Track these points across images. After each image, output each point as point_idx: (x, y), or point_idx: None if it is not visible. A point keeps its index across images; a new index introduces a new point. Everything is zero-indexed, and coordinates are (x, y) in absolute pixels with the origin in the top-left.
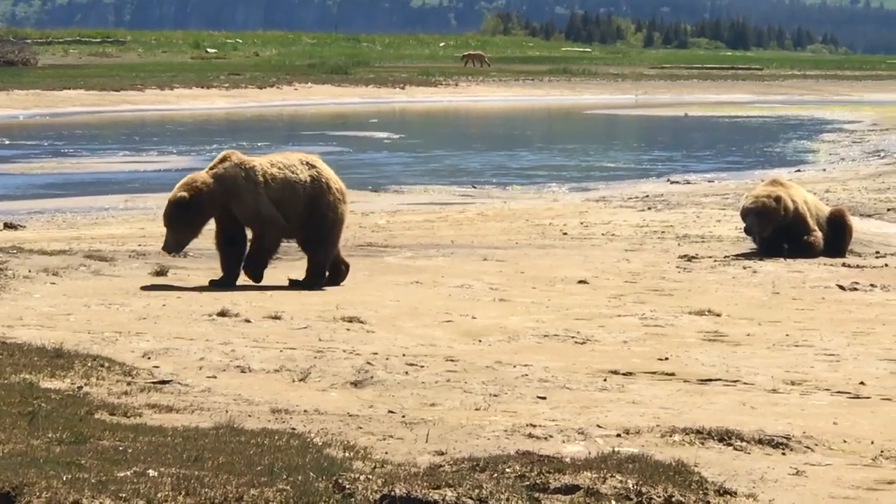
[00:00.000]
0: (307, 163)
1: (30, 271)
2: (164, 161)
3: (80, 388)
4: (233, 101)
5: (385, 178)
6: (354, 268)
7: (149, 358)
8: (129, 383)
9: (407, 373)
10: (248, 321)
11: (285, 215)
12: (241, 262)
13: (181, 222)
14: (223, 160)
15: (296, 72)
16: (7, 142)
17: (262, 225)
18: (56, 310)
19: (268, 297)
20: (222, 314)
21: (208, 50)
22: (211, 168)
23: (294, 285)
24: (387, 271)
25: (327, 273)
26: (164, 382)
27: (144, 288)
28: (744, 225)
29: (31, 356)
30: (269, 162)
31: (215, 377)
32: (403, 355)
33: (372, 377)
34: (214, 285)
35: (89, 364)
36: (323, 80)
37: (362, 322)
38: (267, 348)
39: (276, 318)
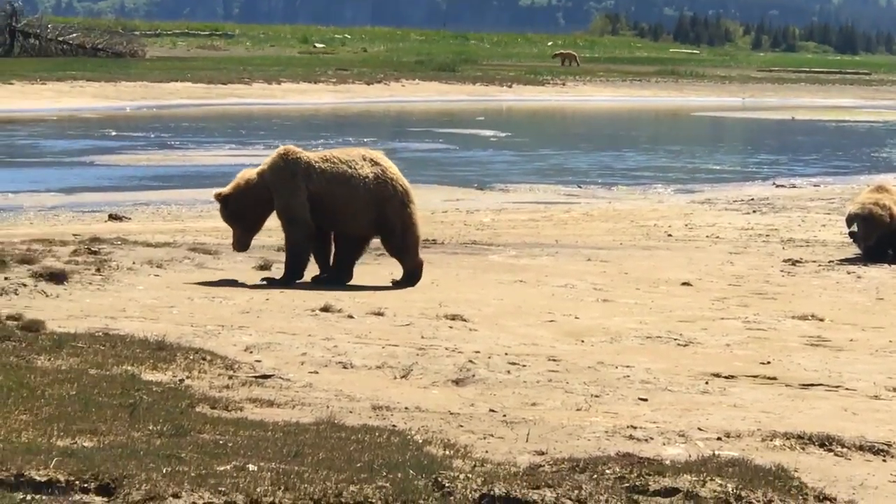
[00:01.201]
0: (370, 159)
1: (134, 263)
2: (269, 155)
3: (181, 380)
4: (340, 96)
5: (491, 177)
6: (458, 265)
7: (251, 352)
8: (230, 377)
9: (509, 372)
10: (350, 317)
11: (340, 210)
12: (329, 260)
13: (231, 220)
14: (273, 156)
15: (403, 68)
16: (114, 133)
17: (285, 220)
18: (159, 302)
19: (371, 294)
20: (325, 310)
21: (316, 45)
22: (262, 165)
23: (395, 284)
24: (490, 269)
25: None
26: (265, 377)
27: (248, 282)
28: (848, 230)
29: (134, 348)
30: (322, 156)
31: (317, 372)
32: (506, 354)
33: (474, 375)
34: (270, 284)
35: (191, 357)
36: (430, 77)
37: (465, 320)
38: (369, 344)
39: (379, 314)
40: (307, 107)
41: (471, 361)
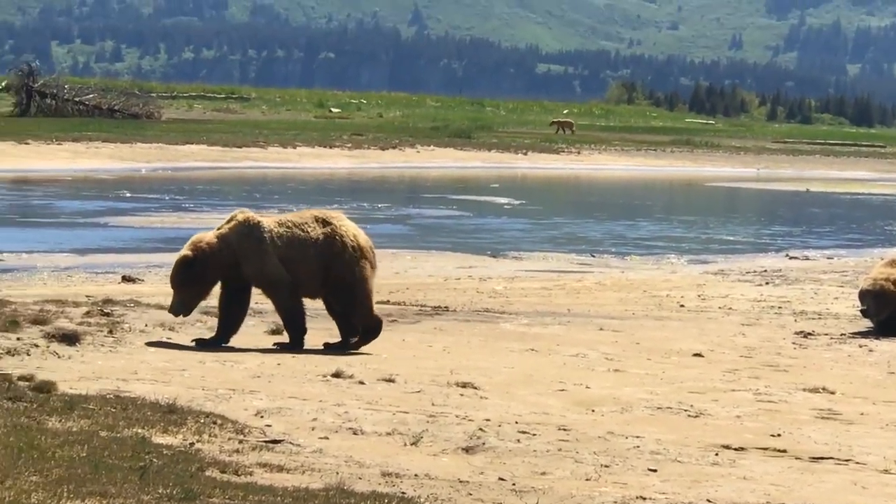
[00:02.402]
0: (322, 220)
1: (146, 325)
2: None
3: (191, 444)
4: (355, 161)
5: (504, 244)
6: (470, 332)
7: (262, 416)
8: (241, 441)
9: (519, 440)
10: (361, 383)
11: (297, 274)
12: (238, 325)
13: (186, 283)
14: (230, 220)
15: (419, 134)
16: (129, 194)
17: (268, 286)
18: (171, 365)
19: (382, 360)
20: (336, 375)
21: (332, 109)
22: (219, 228)
23: (328, 349)
24: (502, 338)
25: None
26: (275, 442)
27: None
28: (860, 308)
29: (145, 411)
30: (278, 221)
31: (327, 438)
32: (516, 422)
33: (484, 443)
34: (201, 345)
35: (202, 420)
36: (446, 143)
37: (476, 388)
38: (380, 411)
39: (390, 381)
40: (322, 171)
41: (481, 429)
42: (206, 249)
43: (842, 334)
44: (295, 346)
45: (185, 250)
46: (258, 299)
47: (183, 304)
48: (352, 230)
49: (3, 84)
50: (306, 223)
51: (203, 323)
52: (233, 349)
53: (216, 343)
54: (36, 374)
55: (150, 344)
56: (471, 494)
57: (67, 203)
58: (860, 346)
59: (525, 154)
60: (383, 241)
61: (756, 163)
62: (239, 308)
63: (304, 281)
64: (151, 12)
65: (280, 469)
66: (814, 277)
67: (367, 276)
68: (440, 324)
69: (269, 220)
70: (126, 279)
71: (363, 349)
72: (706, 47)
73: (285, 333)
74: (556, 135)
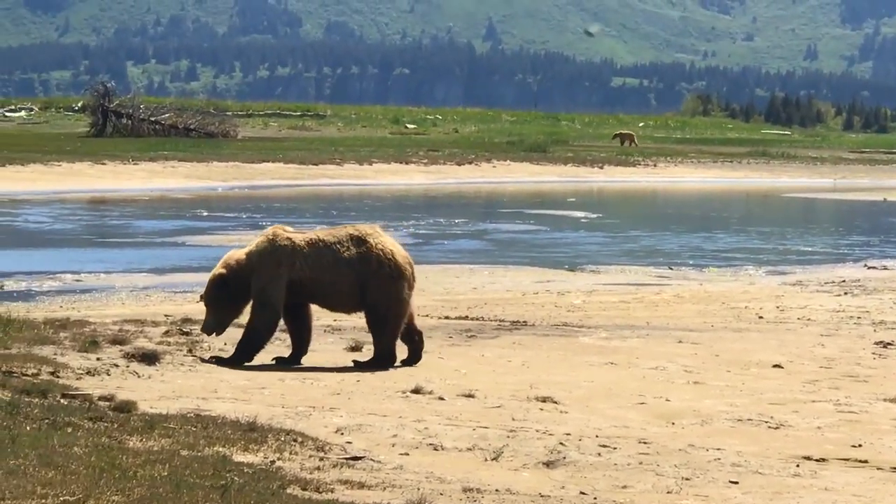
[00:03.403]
0: (357, 238)
1: (225, 344)
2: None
3: (272, 462)
4: (431, 176)
5: (581, 258)
6: (549, 347)
7: (342, 433)
8: (321, 458)
9: (599, 454)
10: (441, 399)
11: (330, 294)
12: (307, 339)
13: (219, 301)
14: (261, 238)
15: (495, 149)
16: (206, 213)
17: (258, 303)
18: (251, 383)
19: (462, 376)
20: (416, 391)
21: (408, 125)
22: (250, 245)
23: (358, 367)
24: (581, 352)
25: (395, 353)
26: (356, 458)
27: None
28: None
29: (225, 429)
30: (308, 240)
31: (408, 454)
32: (596, 436)
33: (564, 458)
34: (281, 363)
35: (282, 438)
36: (521, 157)
37: (556, 402)
38: (460, 426)
39: (470, 396)
40: (398, 187)
41: (561, 444)
42: (236, 267)
43: None
44: (234, 362)
45: (219, 268)
46: (337, 316)
47: (217, 323)
48: (388, 248)
49: (80, 104)
50: (340, 242)
51: (282, 341)
52: (312, 367)
53: (293, 361)
54: (116, 393)
55: None
56: None
57: (144, 223)
58: None
59: (601, 167)
60: (460, 256)
61: (832, 173)
62: (301, 323)
63: (338, 302)
64: (226, 31)
65: (361, 486)
66: (893, 287)
67: (403, 298)
68: (519, 338)
69: (302, 238)
70: None
71: (442, 361)
72: (781, 58)
73: (364, 350)
74: (620, 147)
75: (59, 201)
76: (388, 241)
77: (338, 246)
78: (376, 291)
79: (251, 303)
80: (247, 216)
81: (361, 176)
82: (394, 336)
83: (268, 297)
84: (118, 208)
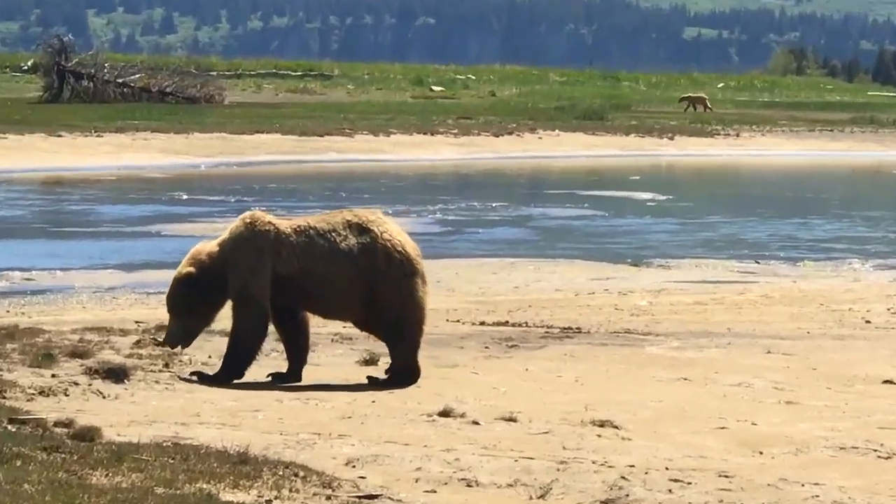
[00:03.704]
0: (357, 226)
1: (209, 357)
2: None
3: (268, 501)
4: (462, 150)
5: (648, 250)
6: (608, 359)
7: (353, 466)
8: (328, 497)
9: (670, 490)
10: (476, 423)
11: (324, 294)
12: (304, 348)
13: (187, 305)
14: (237, 223)
15: (540, 116)
16: (185, 197)
17: (238, 300)
18: (241, 404)
19: (501, 395)
20: (444, 414)
21: (433, 88)
22: (222, 234)
23: (373, 384)
24: (648, 364)
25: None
26: (371, 497)
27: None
28: None
29: (210, 461)
30: (295, 227)
31: (434, 492)
32: (666, 469)
33: (627, 495)
34: (278, 380)
35: (281, 472)
36: (573, 126)
37: (616, 427)
38: (498, 457)
39: (511, 420)
40: (422, 164)
41: (623, 478)
42: (207, 262)
43: None
44: (221, 379)
45: (185, 265)
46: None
47: (184, 332)
48: (397, 238)
49: (30, 63)
50: (335, 230)
51: (279, 353)
52: (317, 385)
53: (292, 377)
54: (76, 418)
55: None
56: None
57: (110, 208)
58: None
59: (671, 138)
60: (499, 247)
61: None
62: (296, 329)
63: (335, 305)
64: None
65: None
66: None
67: (420, 298)
68: (571, 348)
69: (287, 224)
70: None
71: (476, 377)
72: (893, 2)
73: (381, 363)
74: (692, 113)
75: (5, 182)
76: (395, 228)
77: (333, 234)
78: (388, 292)
79: (231, 305)
80: (235, 200)
81: (377, 150)
82: (414, 345)
83: (250, 294)
84: (78, 190)
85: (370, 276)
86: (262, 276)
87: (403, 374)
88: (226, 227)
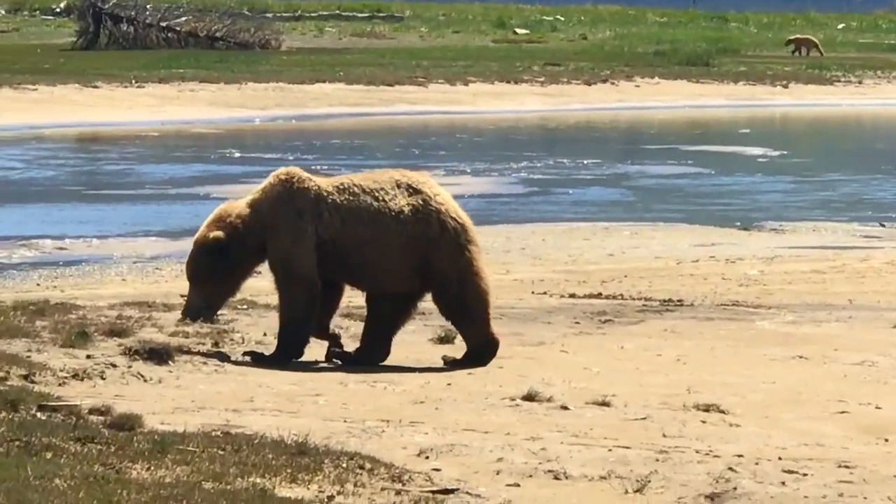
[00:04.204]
0: (407, 185)
1: (265, 334)
2: (454, 184)
3: (330, 497)
4: (550, 101)
5: (759, 212)
6: (714, 335)
7: (427, 457)
8: (398, 492)
9: (784, 483)
10: (564, 408)
11: (364, 261)
12: (327, 327)
13: (212, 273)
14: (270, 182)
15: (638, 62)
16: (238, 154)
17: (282, 275)
18: (300, 388)
19: (593, 376)
20: (529, 398)
21: (517, 30)
22: (252, 194)
23: (450, 365)
24: (758, 341)
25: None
26: (447, 492)
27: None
28: None
29: (265, 452)
30: (339, 184)
31: (518, 485)
32: (780, 458)
33: (735, 488)
34: (341, 360)
35: (344, 465)
36: (675, 73)
37: (723, 411)
38: (590, 446)
39: (605, 404)
40: (505, 116)
41: (731, 469)
42: (239, 225)
43: None
44: (277, 360)
45: (210, 228)
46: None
47: (206, 303)
48: (452, 203)
49: (63, 5)
50: (382, 189)
51: (345, 330)
52: (386, 366)
53: (366, 359)
54: (114, 404)
55: None
56: None
57: (152, 168)
58: None
59: (786, 86)
60: (591, 210)
61: None
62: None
63: (380, 272)
64: None
65: None
66: None
67: (481, 269)
68: (672, 324)
69: (327, 182)
70: None
71: (566, 356)
72: None
73: (458, 343)
74: (799, 56)
75: (35, 139)
76: (447, 193)
77: (380, 193)
78: (443, 263)
79: (273, 275)
80: (294, 158)
81: (454, 101)
82: (486, 319)
83: (293, 264)
84: (117, 148)
85: (425, 246)
86: (307, 242)
87: (480, 351)
88: (255, 189)
